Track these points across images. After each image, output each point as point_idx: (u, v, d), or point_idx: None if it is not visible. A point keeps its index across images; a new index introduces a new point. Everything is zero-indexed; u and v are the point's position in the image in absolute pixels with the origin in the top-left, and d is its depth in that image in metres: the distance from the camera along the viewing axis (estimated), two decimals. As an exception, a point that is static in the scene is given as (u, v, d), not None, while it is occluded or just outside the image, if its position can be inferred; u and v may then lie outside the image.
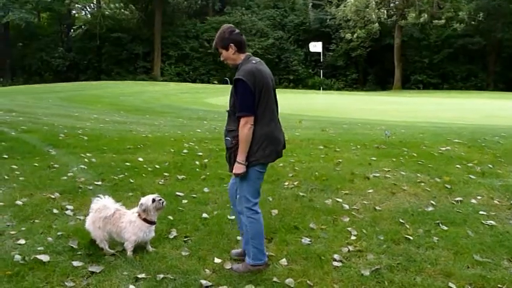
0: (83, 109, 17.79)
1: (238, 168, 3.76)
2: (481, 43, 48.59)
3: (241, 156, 3.74)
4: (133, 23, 51.50)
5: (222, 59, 3.97)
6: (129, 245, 4.06)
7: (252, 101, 3.70)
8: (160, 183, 6.38)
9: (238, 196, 3.97)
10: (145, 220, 4.08)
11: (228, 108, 3.89)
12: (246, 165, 3.76)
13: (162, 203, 4.14)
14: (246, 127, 3.69)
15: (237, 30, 3.90)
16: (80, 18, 57.86)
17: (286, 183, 6.42)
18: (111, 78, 46.79)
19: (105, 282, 3.59)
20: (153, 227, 4.16)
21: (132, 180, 6.38)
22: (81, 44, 52.70)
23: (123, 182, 6.33)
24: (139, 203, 4.13)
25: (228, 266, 3.92)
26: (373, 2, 47.45)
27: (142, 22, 53.21)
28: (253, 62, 3.84)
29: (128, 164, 7.34)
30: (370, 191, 6.14)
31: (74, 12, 58.64)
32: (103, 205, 4.18)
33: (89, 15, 57.21)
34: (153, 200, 4.09)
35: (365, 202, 5.71)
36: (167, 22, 54.04)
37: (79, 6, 57.55)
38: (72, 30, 53.35)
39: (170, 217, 4.98)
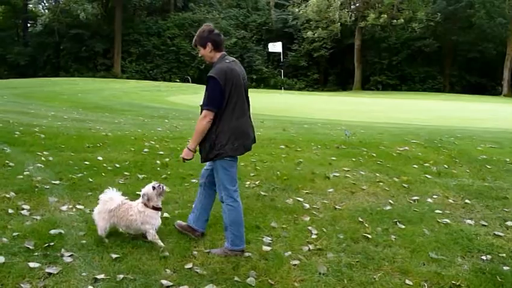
0: (40, 106, 17.31)
1: (187, 154, 4.13)
2: (437, 45, 49.95)
3: (192, 144, 4.09)
4: (93, 19, 50.38)
5: (199, 55, 4.24)
6: (152, 236, 4.25)
7: (219, 98, 3.96)
8: (120, 182, 6.27)
9: (217, 186, 4.27)
10: (153, 208, 4.28)
11: (201, 103, 4.07)
12: (194, 152, 4.11)
13: (162, 187, 4.36)
14: (204, 120, 3.98)
15: (216, 31, 4.16)
16: (37, 12, 56.36)
17: (248, 183, 6.44)
18: (70, 75, 45.76)
19: (62, 283, 3.52)
20: (160, 213, 4.39)
21: (91, 180, 6.26)
22: (39, 40, 51.36)
23: (82, 181, 6.20)
24: (141, 194, 4.34)
25: (188, 265, 3.90)
26: (338, 2, 48.12)
27: (103, 18, 52.26)
28: (227, 61, 4.10)
29: (86, 162, 7.20)
30: (330, 190, 6.22)
31: (30, 6, 57.00)
32: (109, 197, 4.35)
33: (46, 10, 55.69)
34: (153, 188, 4.31)
35: (325, 201, 5.79)
36: (128, 19, 53.29)
37: (35, 0, 56.02)
38: (28, 25, 51.94)
39: (130, 217, 4.91)
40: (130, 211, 4.27)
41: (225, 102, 3.99)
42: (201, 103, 4.08)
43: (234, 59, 4.24)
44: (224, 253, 4.13)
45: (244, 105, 4.18)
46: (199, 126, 4.00)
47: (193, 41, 4.18)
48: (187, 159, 4.16)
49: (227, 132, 4.01)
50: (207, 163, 4.36)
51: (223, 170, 4.11)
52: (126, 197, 4.50)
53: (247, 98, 4.27)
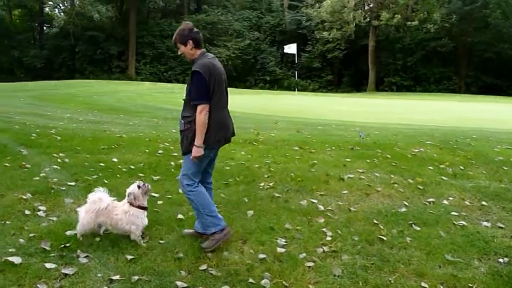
0: (55, 108, 17.48)
1: (197, 151, 4.15)
2: (453, 47, 49.46)
3: (199, 140, 4.13)
4: (107, 22, 50.79)
5: (179, 53, 4.36)
6: (135, 236, 4.31)
7: (207, 90, 4.12)
8: (135, 183, 6.31)
9: (181, 172, 4.37)
10: (139, 207, 4.33)
11: (184, 97, 4.30)
12: (204, 148, 4.15)
13: (147, 186, 4.44)
14: (202, 113, 4.09)
15: (196, 29, 4.33)
16: (53, 15, 56.99)
17: (262, 184, 6.43)
18: (85, 77, 46.13)
19: (78, 284, 3.55)
20: (146, 212, 4.42)
21: (106, 181, 6.30)
22: (55, 42, 51.88)
23: (97, 182, 6.22)
24: (127, 193, 4.38)
25: (203, 267, 3.91)
26: (352, 3, 47.96)
27: (117, 21, 52.66)
28: (208, 57, 4.29)
29: (102, 164, 7.25)
30: (345, 192, 6.20)
31: (46, 9, 57.67)
32: (98, 198, 4.36)
33: (62, 13, 56.33)
34: (139, 187, 4.36)
35: (340, 203, 5.77)
36: (142, 21, 53.61)
37: (51, 3, 56.65)
38: (44, 28, 52.63)
39: (145, 218, 4.94)
40: (115, 211, 4.32)
41: (210, 97, 4.15)
42: (185, 97, 4.28)
43: (213, 55, 4.40)
44: (215, 241, 4.23)
45: (225, 100, 4.36)
46: (200, 121, 4.08)
47: (173, 39, 4.31)
48: (198, 157, 4.17)
49: (210, 125, 4.14)
50: None
51: (195, 162, 4.22)
52: (114, 198, 4.51)
53: (227, 92, 4.43)
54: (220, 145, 4.37)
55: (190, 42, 4.22)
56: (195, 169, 4.28)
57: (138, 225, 4.29)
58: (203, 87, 4.09)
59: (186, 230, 4.65)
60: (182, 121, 4.25)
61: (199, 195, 4.30)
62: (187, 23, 4.36)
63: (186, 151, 4.26)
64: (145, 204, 4.41)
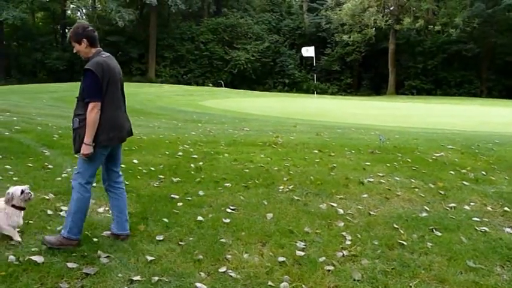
0: (77, 110, 17.68)
1: (86, 149, 4.11)
2: (475, 50, 48.87)
3: (88, 139, 4.10)
4: (128, 25, 51.31)
5: (75, 51, 4.32)
6: (11, 233, 4.24)
7: (99, 89, 4.10)
8: (155, 185, 6.37)
9: (74, 171, 4.32)
10: (14, 206, 4.26)
11: (78, 95, 4.25)
12: (93, 146, 4.11)
13: (30, 195, 4.36)
14: (93, 111, 4.07)
15: (91, 27, 4.33)
16: (75, 18, 57.84)
17: (281, 187, 6.42)
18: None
19: (99, 284, 3.58)
20: (22, 212, 4.35)
21: (126, 182, 6.30)
22: (76, 45, 52.57)
23: (118, 183, 6.30)
24: (7, 191, 4.32)
25: (222, 269, 3.92)
26: (375, 7, 47.79)
27: (138, 24, 53.20)
28: (103, 56, 4.28)
29: (122, 165, 7.27)
30: (365, 196, 6.16)
31: (68, 12, 58.59)
32: None
33: (84, 16, 57.16)
34: (22, 192, 4.30)
35: (359, 207, 5.73)
36: (162, 24, 54.07)
37: (74, 6, 57.50)
38: (67, 31, 53.40)
39: (165, 220, 4.98)
40: None
41: (102, 95, 4.12)
42: (78, 95, 4.24)
43: (109, 54, 4.39)
44: (58, 241, 4.17)
45: (120, 99, 4.36)
46: (91, 119, 4.07)
47: (68, 37, 4.31)
48: (87, 155, 4.14)
49: (102, 124, 4.12)
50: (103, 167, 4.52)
51: (89, 161, 4.19)
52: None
53: (123, 93, 4.45)
54: (114, 144, 4.32)
55: (85, 40, 4.21)
56: (91, 168, 4.26)
57: (13, 221, 4.23)
58: (95, 85, 4.09)
59: (105, 232, 4.60)
60: (76, 119, 4.19)
61: (82, 200, 4.24)
62: (82, 22, 4.40)
63: (79, 150, 4.19)
64: (22, 204, 4.32)
